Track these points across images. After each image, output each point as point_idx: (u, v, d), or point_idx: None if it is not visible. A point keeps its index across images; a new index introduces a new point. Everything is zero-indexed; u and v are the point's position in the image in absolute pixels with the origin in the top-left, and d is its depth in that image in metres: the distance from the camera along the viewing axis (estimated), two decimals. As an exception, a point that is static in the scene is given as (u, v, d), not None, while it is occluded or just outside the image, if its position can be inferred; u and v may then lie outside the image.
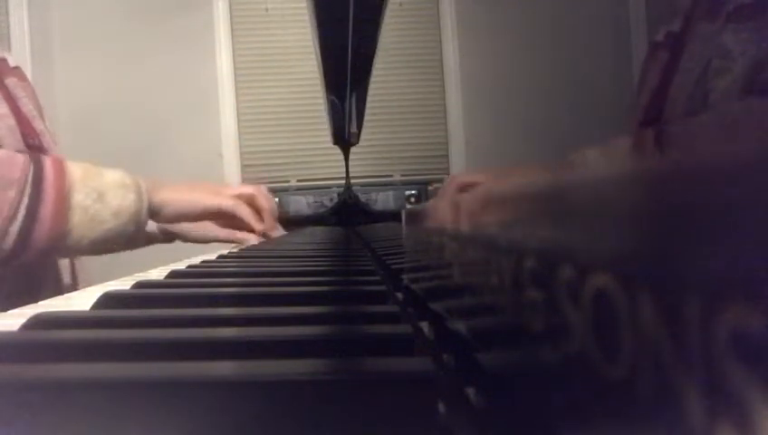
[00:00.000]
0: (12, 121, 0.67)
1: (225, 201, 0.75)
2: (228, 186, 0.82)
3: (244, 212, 0.76)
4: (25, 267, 0.62)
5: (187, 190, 0.75)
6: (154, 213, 0.69)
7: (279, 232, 0.87)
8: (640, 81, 0.62)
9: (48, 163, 0.60)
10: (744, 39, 0.43)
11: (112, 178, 0.64)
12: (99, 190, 0.62)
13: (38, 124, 0.73)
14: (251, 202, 0.79)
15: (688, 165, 0.07)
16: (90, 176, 0.62)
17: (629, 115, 0.62)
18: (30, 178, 0.58)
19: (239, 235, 0.78)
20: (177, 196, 0.72)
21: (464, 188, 0.69)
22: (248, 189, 0.80)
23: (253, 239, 0.78)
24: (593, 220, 0.10)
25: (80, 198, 0.60)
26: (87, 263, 0.78)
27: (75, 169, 0.62)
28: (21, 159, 0.58)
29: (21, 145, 0.67)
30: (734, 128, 0.07)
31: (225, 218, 0.77)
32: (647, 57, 0.61)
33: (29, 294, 0.41)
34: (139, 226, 0.65)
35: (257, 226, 0.77)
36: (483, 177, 0.70)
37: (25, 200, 0.57)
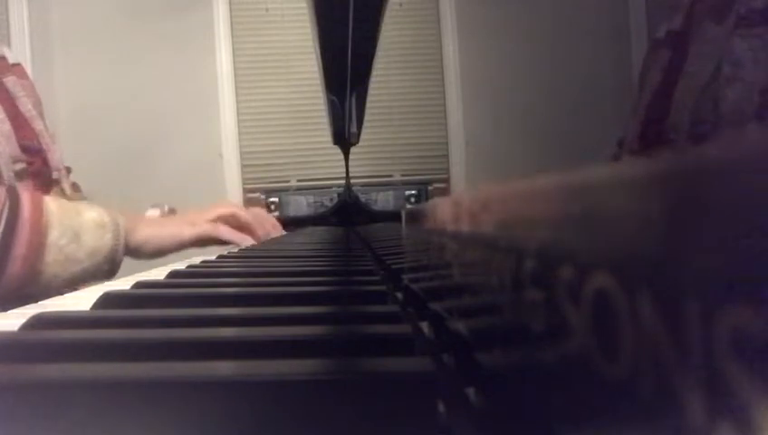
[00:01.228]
0: (7, 126, 0.66)
1: (201, 229, 0.75)
2: (206, 211, 0.80)
3: (226, 233, 0.76)
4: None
5: (166, 225, 0.75)
6: (133, 251, 0.69)
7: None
8: (641, 78, 0.62)
9: (26, 199, 0.58)
10: (756, 47, 0.42)
11: (90, 217, 0.63)
12: (75, 230, 0.61)
13: (37, 124, 0.72)
14: (233, 221, 0.78)
15: (688, 165, 0.07)
16: (67, 214, 0.61)
17: (631, 113, 0.62)
18: (5, 215, 0.56)
19: (243, 243, 0.77)
20: (154, 232, 0.72)
21: None
22: (225, 209, 0.80)
23: (247, 241, 0.78)
24: (593, 220, 0.10)
25: (55, 236, 0.59)
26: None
27: (53, 207, 0.60)
28: None
29: (16, 151, 0.66)
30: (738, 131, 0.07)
31: (208, 243, 0.77)
32: (647, 55, 0.61)
33: (27, 295, 0.41)
34: (114, 265, 0.65)
35: (244, 243, 0.76)
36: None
37: None
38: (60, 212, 0.60)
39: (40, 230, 0.58)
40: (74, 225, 0.61)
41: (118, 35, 2.26)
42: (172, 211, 0.88)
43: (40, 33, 2.21)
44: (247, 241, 0.77)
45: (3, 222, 0.56)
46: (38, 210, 0.58)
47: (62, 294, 0.69)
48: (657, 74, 0.56)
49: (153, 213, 0.84)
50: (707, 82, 0.46)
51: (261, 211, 0.91)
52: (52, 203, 0.61)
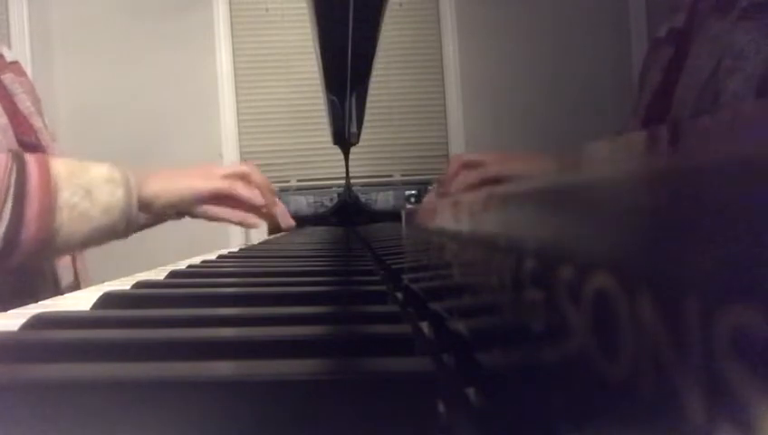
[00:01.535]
0: (4, 120, 0.66)
1: (219, 183, 0.71)
2: (218, 166, 0.77)
3: (243, 191, 0.72)
4: (22, 268, 0.61)
5: (178, 177, 0.71)
6: (144, 206, 0.66)
7: (281, 208, 0.84)
8: (641, 78, 0.62)
9: (31, 162, 0.58)
10: (758, 37, 0.42)
11: (99, 173, 0.61)
12: (86, 187, 0.60)
13: (35, 121, 0.72)
14: (246, 180, 0.75)
15: (689, 165, 0.07)
16: (75, 172, 0.60)
17: (631, 113, 0.62)
18: (13, 180, 0.56)
19: (251, 219, 0.75)
20: (167, 186, 0.69)
21: (468, 166, 0.68)
22: (241, 168, 0.76)
23: (259, 221, 0.76)
24: (593, 220, 0.10)
25: (66, 196, 0.58)
26: (87, 263, 0.78)
27: (60, 167, 0.59)
28: (2, 160, 0.56)
29: (14, 146, 0.66)
30: (738, 128, 0.07)
31: (222, 200, 0.73)
32: (648, 54, 0.61)
33: (27, 295, 0.41)
34: (130, 220, 0.63)
35: (259, 202, 0.73)
36: (486, 157, 0.69)
37: (9, 202, 0.55)
38: (68, 171, 0.59)
39: (50, 191, 0.57)
40: (84, 182, 0.60)
41: (118, 35, 2.26)
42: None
43: (40, 33, 2.21)
44: (261, 201, 0.74)
45: (12, 187, 0.56)
46: (45, 172, 0.58)
47: (65, 285, 0.68)
48: (658, 73, 0.56)
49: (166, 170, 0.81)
50: (709, 76, 0.46)
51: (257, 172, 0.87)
52: (59, 163, 0.60)
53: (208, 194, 0.71)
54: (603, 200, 0.09)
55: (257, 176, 0.76)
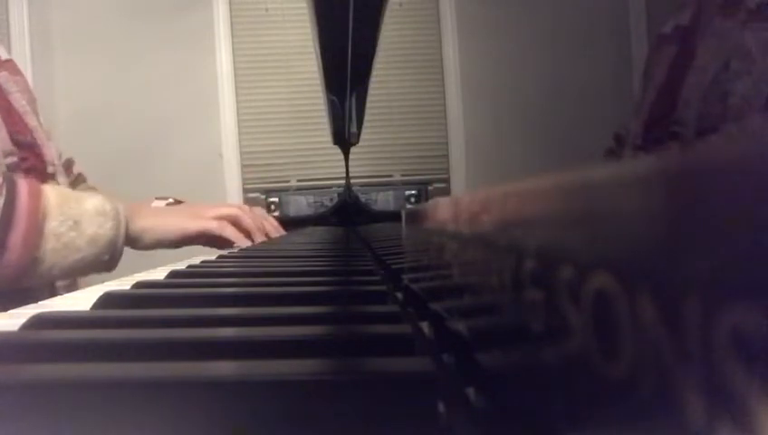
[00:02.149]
0: None
1: (207, 224, 0.72)
2: (210, 206, 0.78)
3: (231, 234, 0.74)
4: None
5: (167, 215, 0.72)
6: (132, 240, 0.67)
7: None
8: (645, 74, 0.61)
9: (23, 188, 0.57)
10: (765, 40, 0.42)
11: (91, 204, 0.61)
12: (75, 218, 0.59)
13: (30, 120, 0.71)
14: (235, 223, 0.76)
15: (689, 164, 0.07)
16: (67, 202, 0.60)
17: (635, 109, 0.62)
18: (1, 203, 0.55)
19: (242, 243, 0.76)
20: (155, 223, 0.69)
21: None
22: (231, 210, 0.78)
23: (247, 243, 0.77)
24: (593, 220, 0.10)
25: (54, 225, 0.58)
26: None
27: (52, 195, 0.59)
28: None
29: (8, 145, 0.66)
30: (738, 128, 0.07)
31: (210, 240, 0.75)
32: (652, 50, 0.60)
33: (21, 296, 0.41)
34: (115, 254, 0.63)
35: (245, 243, 0.74)
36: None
37: None
38: (59, 200, 0.59)
39: (37, 218, 0.57)
40: (74, 213, 0.60)
41: (118, 35, 2.26)
42: (178, 202, 0.86)
43: (40, 34, 2.21)
44: (247, 244, 0.75)
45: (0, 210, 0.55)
46: (35, 198, 0.57)
47: (61, 284, 0.68)
48: (663, 70, 0.56)
49: (158, 204, 0.82)
50: (715, 76, 0.45)
51: (262, 212, 0.90)
52: (50, 191, 0.59)
53: (195, 234, 0.72)
54: (603, 200, 0.09)
55: (246, 219, 0.77)
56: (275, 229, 0.88)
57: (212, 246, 0.76)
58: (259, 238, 0.79)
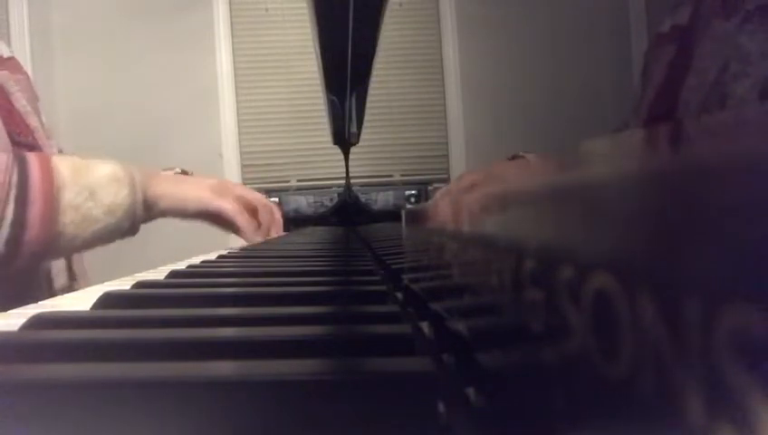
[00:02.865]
0: None
1: (226, 205, 0.69)
2: (236, 185, 0.75)
3: (244, 225, 0.71)
4: (16, 272, 0.60)
5: (187, 184, 0.69)
6: (149, 205, 0.65)
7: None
8: (644, 74, 0.61)
9: (34, 162, 0.56)
10: (765, 42, 0.42)
11: (104, 172, 0.60)
12: (90, 187, 0.58)
13: (32, 120, 0.71)
14: (253, 213, 0.74)
15: (689, 164, 0.07)
16: (79, 172, 0.59)
17: (633, 110, 0.62)
18: (14, 180, 0.54)
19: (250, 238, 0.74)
20: (173, 190, 0.67)
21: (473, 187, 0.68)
22: (255, 198, 0.75)
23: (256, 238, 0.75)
24: (593, 220, 0.10)
25: (70, 196, 0.57)
26: (86, 263, 0.78)
27: (64, 166, 0.58)
28: (3, 160, 0.55)
29: (7, 146, 0.65)
30: (739, 128, 0.07)
31: (221, 221, 0.72)
32: (650, 49, 0.60)
33: (23, 296, 0.41)
34: (135, 220, 0.62)
35: (253, 238, 0.72)
36: (488, 176, 0.69)
37: (11, 205, 0.54)
38: (72, 171, 0.58)
39: (53, 192, 0.56)
40: (88, 182, 0.59)
41: (118, 35, 2.26)
42: (185, 173, 0.84)
43: (40, 34, 2.21)
44: (256, 241, 0.73)
45: (14, 189, 0.54)
46: (48, 172, 0.57)
47: (59, 286, 0.68)
48: (662, 70, 0.56)
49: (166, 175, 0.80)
50: (715, 78, 0.45)
51: (272, 208, 0.86)
52: (62, 162, 0.59)
53: (214, 210, 0.69)
54: (603, 200, 0.09)
55: (265, 215, 0.74)
56: (277, 225, 0.87)
57: (218, 224, 0.73)
58: (264, 236, 0.77)
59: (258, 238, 0.74)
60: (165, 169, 0.80)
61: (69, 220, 0.57)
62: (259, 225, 0.75)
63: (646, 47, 0.63)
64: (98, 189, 0.59)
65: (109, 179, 0.60)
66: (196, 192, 0.68)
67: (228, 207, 0.70)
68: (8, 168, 0.55)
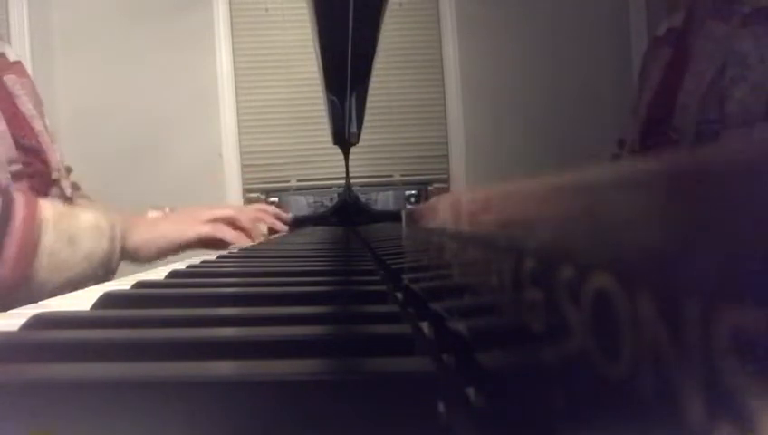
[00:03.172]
0: (3, 126, 0.65)
1: (203, 229, 0.73)
2: (204, 208, 0.78)
3: (228, 235, 0.74)
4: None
5: (164, 224, 0.72)
6: (131, 255, 0.67)
7: (278, 223, 0.85)
8: (641, 76, 0.61)
9: (20, 202, 0.56)
10: (762, 45, 0.42)
11: (86, 221, 0.61)
12: (70, 235, 0.59)
13: (36, 124, 0.71)
14: (231, 224, 0.77)
15: (688, 165, 0.07)
16: (63, 218, 0.59)
17: (631, 111, 0.62)
18: None
19: (241, 241, 0.76)
20: (153, 234, 0.70)
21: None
22: (225, 211, 0.78)
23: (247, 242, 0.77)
24: (593, 220, 0.10)
25: (49, 241, 0.57)
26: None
27: (48, 210, 0.58)
28: None
29: (13, 152, 0.65)
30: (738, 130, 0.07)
31: (208, 243, 0.75)
32: (647, 52, 0.60)
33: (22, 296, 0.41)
34: (109, 269, 0.63)
35: (244, 242, 0.75)
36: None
37: None
38: (55, 216, 0.58)
39: (33, 234, 0.56)
40: (70, 229, 0.59)
41: (118, 36, 2.26)
42: (172, 211, 0.86)
43: (40, 33, 2.21)
44: (246, 243, 0.76)
45: None
46: (32, 213, 0.57)
47: (56, 293, 0.68)
48: (658, 73, 0.56)
49: (153, 215, 0.82)
50: (712, 81, 0.45)
51: (262, 205, 0.89)
52: (47, 207, 0.59)
53: (194, 240, 0.73)
54: (603, 200, 0.09)
55: (242, 220, 0.77)
56: (275, 215, 0.88)
57: (211, 248, 0.77)
58: (257, 238, 0.79)
59: (247, 242, 0.75)
60: (153, 208, 0.82)
61: (44, 264, 0.57)
62: (244, 231, 0.78)
63: (645, 48, 0.63)
64: (78, 237, 0.60)
65: (90, 228, 0.61)
66: (173, 229, 0.72)
67: (204, 229, 0.74)
68: None
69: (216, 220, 0.76)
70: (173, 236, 0.72)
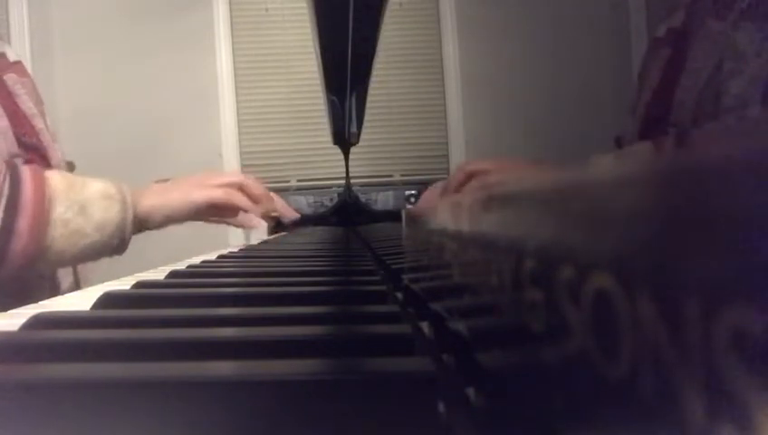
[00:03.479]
0: (4, 123, 0.65)
1: (215, 193, 0.71)
2: (214, 174, 0.76)
3: (240, 200, 0.72)
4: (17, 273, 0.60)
5: (173, 189, 0.70)
6: (142, 221, 0.66)
7: (280, 203, 0.84)
8: (640, 77, 0.61)
9: (27, 174, 0.57)
10: (759, 39, 0.42)
11: (96, 189, 0.61)
12: (81, 203, 0.59)
13: (37, 122, 0.71)
14: (241, 190, 0.74)
15: (689, 165, 0.07)
16: (72, 187, 0.59)
17: (630, 111, 0.62)
18: (6, 190, 0.54)
19: (251, 221, 0.75)
20: (163, 199, 0.68)
21: (474, 175, 0.68)
22: (237, 178, 0.75)
23: (260, 221, 0.76)
24: (593, 220, 0.10)
25: (60, 210, 0.57)
26: (88, 263, 0.78)
27: (56, 181, 0.58)
28: None
29: (14, 147, 0.65)
30: (738, 128, 0.07)
31: (218, 210, 0.73)
32: (647, 53, 0.61)
33: (25, 297, 0.41)
34: (124, 237, 0.62)
35: (256, 209, 0.73)
36: (491, 165, 0.69)
37: (0, 213, 0.54)
38: (64, 185, 0.58)
39: (43, 204, 0.56)
40: (80, 198, 0.59)
41: (118, 35, 2.26)
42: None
43: (40, 33, 2.21)
44: (258, 210, 0.74)
45: (4, 198, 0.54)
46: (41, 184, 0.57)
47: (66, 287, 0.68)
48: (657, 72, 0.56)
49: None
50: (709, 78, 0.45)
51: (258, 182, 0.87)
52: (55, 177, 0.59)
53: (205, 204, 0.71)
54: (603, 200, 0.09)
55: (254, 186, 0.75)
56: (275, 199, 0.87)
57: (220, 216, 0.74)
58: (267, 202, 0.77)
59: (260, 210, 0.74)
60: (157, 181, 0.81)
61: (58, 234, 0.57)
62: (254, 199, 0.75)
63: (646, 48, 0.63)
64: (89, 205, 0.59)
65: (100, 196, 0.61)
66: (183, 194, 0.70)
67: (215, 193, 0.71)
68: (2, 178, 0.55)
69: (225, 185, 0.73)
70: (183, 200, 0.69)
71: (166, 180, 0.81)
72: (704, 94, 0.45)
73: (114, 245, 0.62)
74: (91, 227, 0.59)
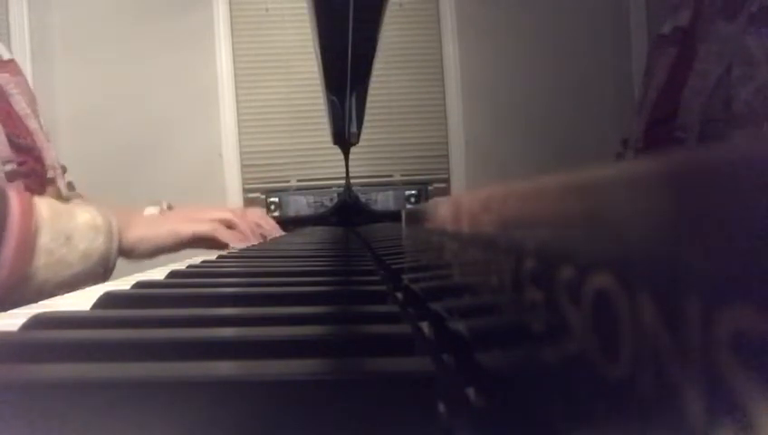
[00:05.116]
0: None
1: (200, 227, 0.73)
2: (203, 209, 0.78)
3: (225, 235, 0.74)
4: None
5: (161, 222, 0.72)
6: (128, 251, 0.67)
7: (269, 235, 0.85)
8: (646, 75, 0.61)
9: (15, 201, 0.55)
10: None
11: (83, 220, 0.61)
12: (67, 233, 0.58)
13: (31, 123, 0.71)
14: (229, 227, 0.76)
15: (689, 165, 0.07)
16: (59, 217, 0.59)
17: (635, 112, 0.61)
18: None
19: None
20: (149, 231, 0.70)
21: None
22: (224, 214, 0.78)
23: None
24: (593, 220, 0.10)
25: (46, 240, 0.56)
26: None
27: (44, 209, 0.58)
28: None
29: (7, 152, 0.65)
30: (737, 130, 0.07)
31: (204, 243, 0.75)
32: (652, 50, 0.60)
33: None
34: (108, 267, 0.63)
35: (241, 246, 0.75)
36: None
37: None
38: (51, 214, 0.58)
39: (29, 233, 0.55)
40: (66, 228, 0.59)
41: (118, 36, 2.26)
42: (171, 208, 0.86)
43: (40, 33, 2.21)
44: (242, 245, 0.76)
45: None
46: (28, 212, 0.56)
47: (56, 293, 0.68)
48: (664, 72, 0.56)
49: (151, 211, 0.81)
50: (718, 80, 0.45)
51: (260, 213, 0.90)
52: (42, 205, 0.58)
53: (190, 238, 0.73)
54: (603, 201, 0.09)
55: (240, 224, 0.77)
56: (274, 229, 0.88)
57: (208, 248, 0.76)
58: (254, 242, 0.79)
59: (245, 244, 0.75)
60: (151, 204, 0.82)
61: (42, 264, 0.56)
62: (241, 236, 0.78)
63: (646, 48, 0.63)
64: (74, 236, 0.59)
65: (87, 226, 0.61)
66: (169, 227, 0.72)
67: (201, 228, 0.73)
68: None
69: (213, 221, 0.75)
70: (169, 233, 0.71)
71: (159, 204, 0.82)
72: (713, 99, 0.45)
73: (98, 273, 0.62)
74: (76, 257, 0.59)
